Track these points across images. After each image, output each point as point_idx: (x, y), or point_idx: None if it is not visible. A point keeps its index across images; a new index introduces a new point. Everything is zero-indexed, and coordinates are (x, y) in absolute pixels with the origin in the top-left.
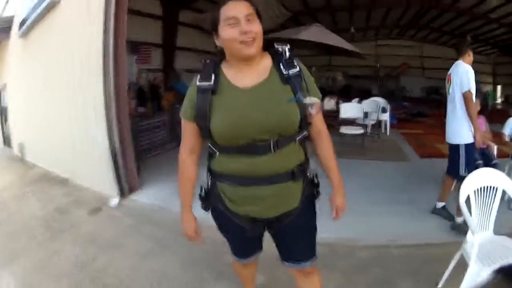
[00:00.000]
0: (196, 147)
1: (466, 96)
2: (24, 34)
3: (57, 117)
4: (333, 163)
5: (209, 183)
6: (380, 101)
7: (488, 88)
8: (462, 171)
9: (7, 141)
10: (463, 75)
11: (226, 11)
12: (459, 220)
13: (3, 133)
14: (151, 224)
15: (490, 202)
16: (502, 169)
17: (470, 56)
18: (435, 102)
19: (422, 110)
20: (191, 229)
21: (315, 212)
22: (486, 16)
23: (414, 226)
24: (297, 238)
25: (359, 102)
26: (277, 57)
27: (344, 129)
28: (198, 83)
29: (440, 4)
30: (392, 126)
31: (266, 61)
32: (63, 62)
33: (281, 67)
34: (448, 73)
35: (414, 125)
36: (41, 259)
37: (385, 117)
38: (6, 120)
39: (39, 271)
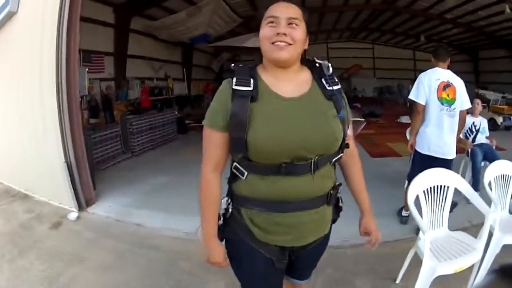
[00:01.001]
0: (222, 163)
1: (465, 114)
2: None
3: (15, 133)
4: (364, 186)
5: (230, 210)
6: None
7: None
8: None
9: None
10: (466, 93)
11: (270, 9)
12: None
13: None
14: (110, 237)
15: (442, 201)
16: (458, 165)
17: None
18: (387, 102)
19: (374, 110)
20: (220, 257)
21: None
22: (441, 17)
23: None
24: (312, 261)
25: None
26: (316, 71)
27: None
28: (234, 87)
29: (393, 7)
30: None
31: (305, 74)
32: (21, 75)
33: (323, 82)
34: (444, 80)
35: (366, 125)
36: (12, 277)
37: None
38: None
39: None
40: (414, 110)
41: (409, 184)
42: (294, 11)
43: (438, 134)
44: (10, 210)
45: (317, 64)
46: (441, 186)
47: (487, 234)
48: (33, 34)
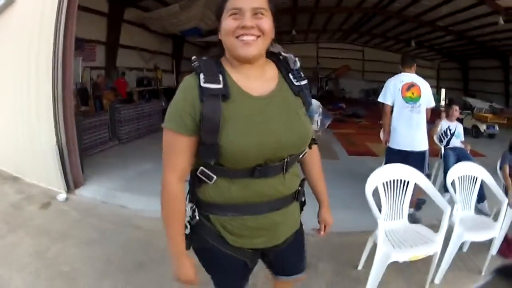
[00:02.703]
0: (187, 171)
1: (431, 111)
2: None
3: (5, 115)
4: (323, 181)
5: (197, 217)
6: (313, 102)
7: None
8: (427, 170)
9: None
10: (430, 92)
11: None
12: (411, 210)
13: None
14: (95, 217)
15: (402, 194)
16: (431, 167)
17: None
18: (372, 104)
19: (358, 111)
20: (192, 275)
21: (303, 227)
22: (433, 24)
23: (334, 217)
24: (295, 254)
25: None
26: (282, 65)
27: None
28: (203, 84)
29: (385, 11)
30: (327, 126)
31: (271, 68)
32: (15, 60)
33: (291, 77)
34: (408, 82)
35: (347, 125)
36: (2, 252)
37: (317, 117)
38: None
39: (2, 263)
40: (383, 111)
41: None
42: (261, 0)
43: (407, 129)
44: (0, 191)
45: (281, 57)
46: (401, 180)
47: (445, 228)
48: (32, 21)
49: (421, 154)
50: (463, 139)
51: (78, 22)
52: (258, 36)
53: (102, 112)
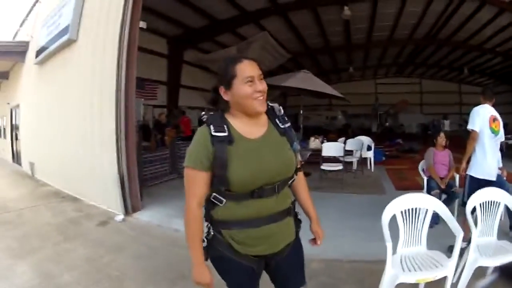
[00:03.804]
0: (203, 198)
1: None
2: (40, 62)
3: (69, 142)
4: (310, 200)
5: (211, 233)
6: (364, 139)
7: None
8: None
9: (16, 158)
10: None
11: (244, 69)
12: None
13: (12, 149)
14: (149, 236)
15: (421, 221)
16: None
17: None
18: (430, 138)
19: (414, 146)
20: (207, 278)
21: (301, 243)
22: (481, 47)
23: (368, 247)
24: (294, 267)
25: (344, 142)
26: (271, 112)
27: (324, 166)
28: (214, 133)
29: (435, 40)
30: (380, 162)
31: (263, 116)
32: (77, 93)
33: (277, 121)
34: (492, 114)
35: (401, 161)
36: (55, 255)
37: (370, 154)
38: (17, 137)
39: (54, 263)
40: (470, 137)
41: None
42: (258, 67)
43: (493, 159)
44: (59, 208)
45: (269, 107)
46: (419, 208)
47: (457, 253)
48: (94, 61)
49: (493, 182)
50: (501, 165)
51: (139, 63)
52: (264, 96)
53: (163, 147)
